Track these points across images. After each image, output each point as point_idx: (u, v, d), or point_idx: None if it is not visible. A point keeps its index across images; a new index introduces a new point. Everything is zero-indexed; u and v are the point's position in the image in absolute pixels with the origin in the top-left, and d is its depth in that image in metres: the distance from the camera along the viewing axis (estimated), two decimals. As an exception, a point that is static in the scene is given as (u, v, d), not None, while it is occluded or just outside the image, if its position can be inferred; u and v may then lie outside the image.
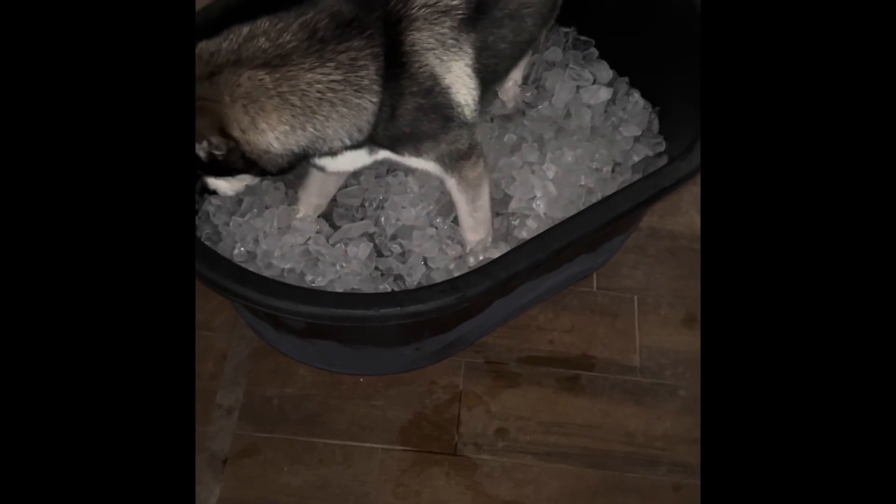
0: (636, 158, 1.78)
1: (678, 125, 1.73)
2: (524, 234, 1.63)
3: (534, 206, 1.67)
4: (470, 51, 1.40)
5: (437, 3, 1.36)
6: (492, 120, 1.82)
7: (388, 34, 1.32)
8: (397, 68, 1.33)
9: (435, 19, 1.35)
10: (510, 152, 1.74)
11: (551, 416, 1.63)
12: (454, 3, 1.37)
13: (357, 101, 1.30)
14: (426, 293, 1.31)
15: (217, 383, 1.64)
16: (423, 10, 1.35)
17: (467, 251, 1.58)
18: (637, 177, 1.71)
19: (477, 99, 1.44)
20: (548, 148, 1.75)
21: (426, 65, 1.35)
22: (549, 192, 1.66)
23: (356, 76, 1.28)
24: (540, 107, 1.84)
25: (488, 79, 1.47)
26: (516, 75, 1.87)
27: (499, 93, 1.86)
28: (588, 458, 1.58)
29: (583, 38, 1.94)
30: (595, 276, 1.82)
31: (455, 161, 1.45)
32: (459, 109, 1.41)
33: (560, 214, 1.63)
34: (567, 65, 1.89)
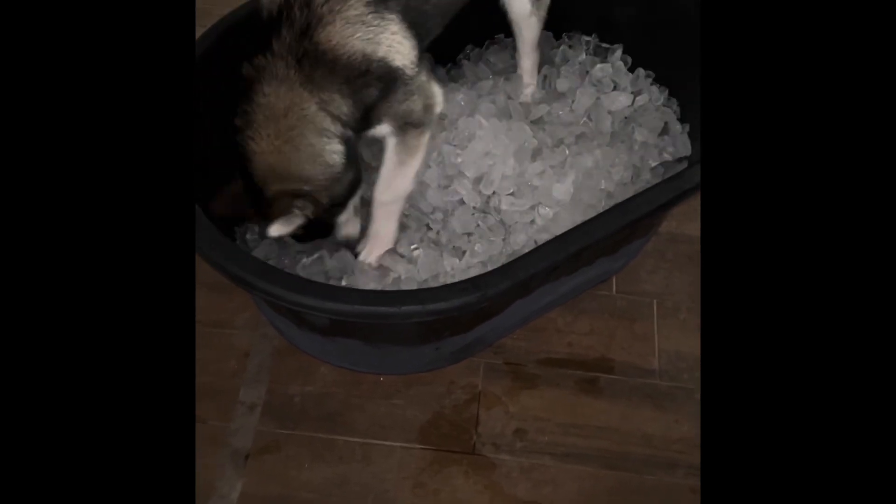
0: (654, 164, 1.79)
1: (698, 130, 1.75)
2: (523, 244, 1.65)
3: (547, 209, 1.68)
4: (394, 16, 1.42)
5: None
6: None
7: (301, 46, 1.37)
8: (326, 67, 1.38)
9: (342, 8, 1.37)
10: (532, 157, 1.76)
11: (569, 417, 1.63)
12: None
13: (304, 112, 1.39)
14: (448, 291, 1.33)
15: (240, 381, 1.66)
16: (325, 5, 1.37)
17: (374, 202, 1.59)
18: (657, 181, 1.72)
19: (416, 55, 1.47)
20: (568, 153, 1.76)
21: (354, 51, 1.38)
22: (569, 195, 1.67)
23: (284, 105, 1.38)
24: (561, 113, 1.86)
25: (422, 35, 1.50)
26: (532, 79, 1.90)
27: (519, 97, 1.88)
28: (606, 459, 1.58)
29: (604, 44, 1.96)
30: (614, 280, 1.83)
31: (405, 123, 1.49)
32: (401, 72, 1.44)
33: (580, 218, 1.65)
34: (588, 71, 1.91)
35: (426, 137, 1.53)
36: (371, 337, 1.53)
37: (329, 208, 1.48)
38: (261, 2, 1.43)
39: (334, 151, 1.43)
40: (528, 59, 1.88)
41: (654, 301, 1.80)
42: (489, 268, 1.55)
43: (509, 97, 1.87)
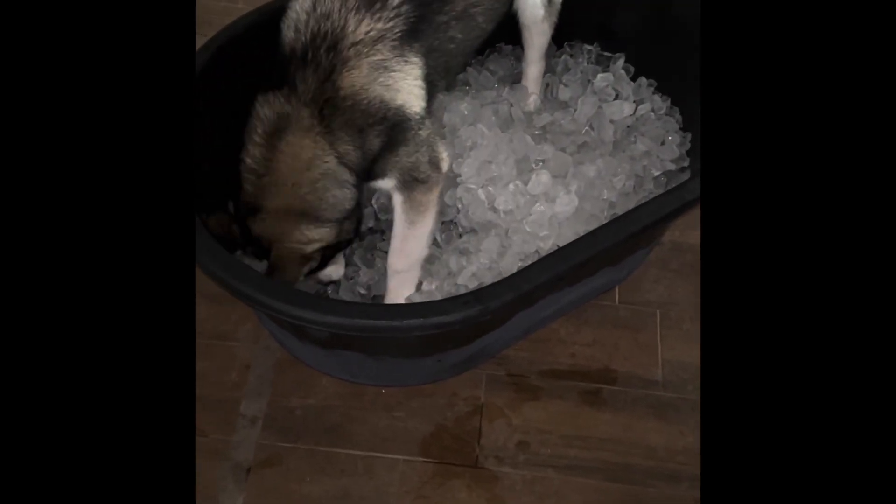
0: (657, 173, 1.78)
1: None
2: (525, 253, 1.64)
3: (549, 219, 1.68)
4: (417, 60, 1.41)
5: (367, 33, 1.36)
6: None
7: (324, 92, 1.36)
8: (344, 116, 1.37)
9: (368, 52, 1.36)
10: (533, 166, 1.75)
11: (573, 429, 1.63)
12: (388, 25, 1.37)
13: (326, 166, 1.40)
14: (449, 305, 1.32)
15: (241, 393, 1.65)
16: (352, 48, 1.35)
17: (389, 272, 1.57)
18: (659, 191, 1.71)
19: (426, 101, 1.46)
20: (571, 162, 1.75)
21: (374, 97, 1.37)
22: (571, 204, 1.67)
23: (307, 157, 1.38)
24: (563, 122, 1.85)
25: (440, 76, 1.50)
26: (536, 88, 1.90)
27: (522, 108, 1.87)
28: (609, 472, 1.57)
29: (606, 53, 1.96)
30: (617, 290, 1.82)
31: (412, 179, 1.47)
32: (415, 120, 1.43)
33: (582, 228, 1.64)
34: (590, 80, 1.91)
35: (435, 195, 1.50)
36: (372, 350, 1.52)
37: (334, 246, 1.51)
38: (283, 36, 1.41)
39: (351, 198, 1.45)
40: (534, 67, 1.88)
41: (658, 311, 1.79)
42: (491, 278, 1.55)
43: (512, 105, 1.86)
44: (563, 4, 1.78)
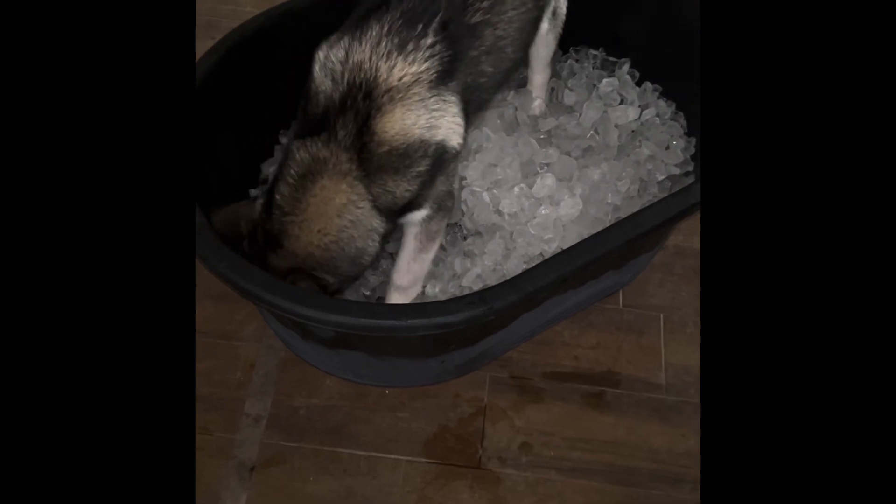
0: (662, 177, 1.79)
1: (705, 144, 1.75)
2: (530, 256, 1.65)
3: (553, 222, 1.69)
4: (454, 98, 1.41)
5: (401, 79, 1.35)
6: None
7: (360, 135, 1.36)
8: (381, 160, 1.37)
9: (403, 97, 1.36)
10: (538, 170, 1.76)
11: (576, 431, 1.63)
12: (423, 67, 1.36)
13: (358, 212, 1.40)
14: (454, 305, 1.32)
15: (245, 392, 1.66)
16: (386, 95, 1.35)
17: (390, 287, 1.58)
18: (663, 195, 1.72)
19: (463, 137, 1.45)
20: (576, 166, 1.76)
21: (413, 140, 1.37)
22: (576, 208, 1.67)
23: (341, 202, 1.38)
24: (568, 126, 1.86)
25: (474, 107, 1.51)
26: (541, 93, 1.91)
27: (527, 112, 1.88)
28: (612, 474, 1.58)
29: (611, 58, 1.97)
30: (621, 294, 1.83)
31: (438, 208, 1.48)
32: (453, 151, 1.43)
33: (587, 231, 1.65)
34: (595, 85, 1.92)
35: (444, 223, 1.52)
36: (376, 349, 1.53)
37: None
38: (318, 84, 1.40)
39: (373, 252, 1.46)
40: (540, 76, 1.89)
41: (661, 315, 1.80)
42: (495, 280, 1.56)
43: (517, 109, 1.87)
44: (569, 9, 1.80)
